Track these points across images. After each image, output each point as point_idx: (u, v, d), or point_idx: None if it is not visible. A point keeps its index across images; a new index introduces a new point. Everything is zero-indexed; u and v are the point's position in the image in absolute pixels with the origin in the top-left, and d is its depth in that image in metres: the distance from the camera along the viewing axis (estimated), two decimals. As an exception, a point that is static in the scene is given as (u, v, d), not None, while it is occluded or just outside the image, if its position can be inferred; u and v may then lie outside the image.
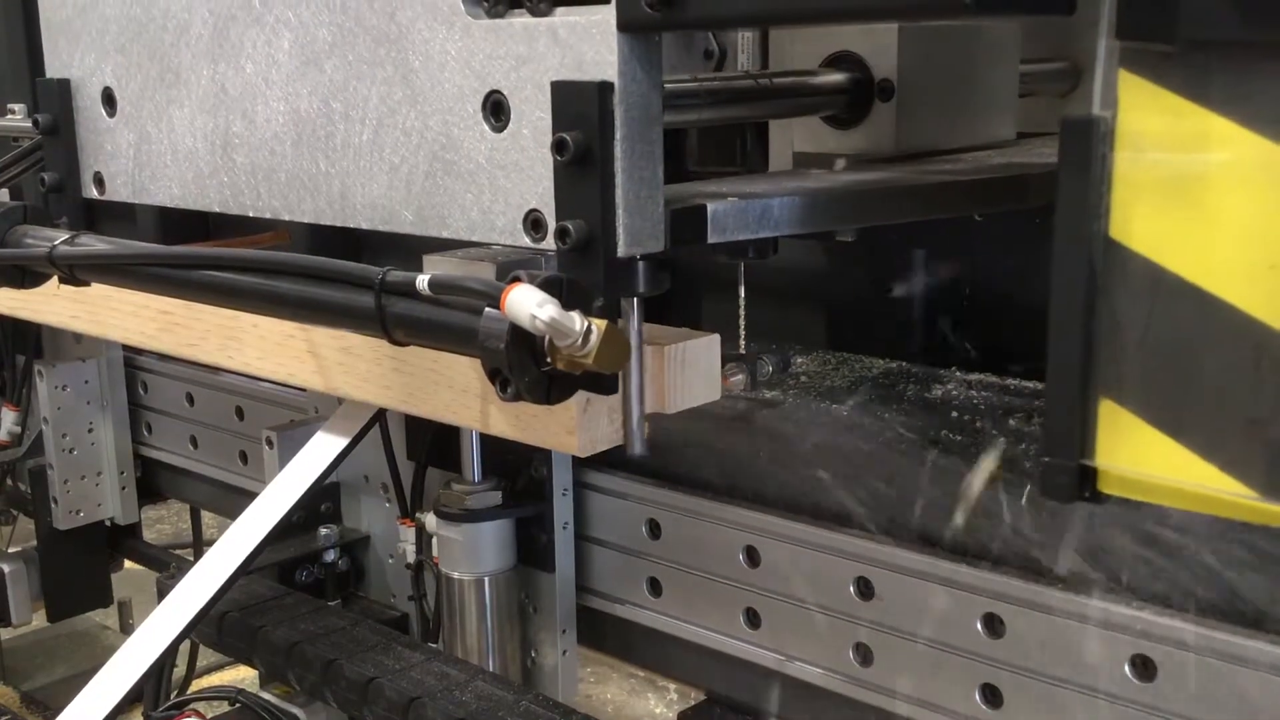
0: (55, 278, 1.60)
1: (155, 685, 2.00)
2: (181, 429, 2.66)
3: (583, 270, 1.16)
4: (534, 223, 1.22)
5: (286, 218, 1.47)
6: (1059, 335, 1.01)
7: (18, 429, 2.88)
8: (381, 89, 1.33)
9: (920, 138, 1.66)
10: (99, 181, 1.74)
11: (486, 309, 1.13)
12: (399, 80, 1.31)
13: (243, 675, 3.81)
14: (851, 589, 1.58)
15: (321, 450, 1.83)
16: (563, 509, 1.86)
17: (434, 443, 1.96)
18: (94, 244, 1.56)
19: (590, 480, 1.87)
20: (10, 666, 4.18)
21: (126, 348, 2.69)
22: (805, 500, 1.64)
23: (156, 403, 2.72)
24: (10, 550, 3.00)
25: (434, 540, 1.93)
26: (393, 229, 1.37)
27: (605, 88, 1.13)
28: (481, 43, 1.23)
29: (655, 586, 1.81)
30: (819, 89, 1.65)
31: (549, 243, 1.20)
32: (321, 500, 2.19)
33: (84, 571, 2.93)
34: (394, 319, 1.22)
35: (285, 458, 1.96)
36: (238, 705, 1.94)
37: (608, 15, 1.12)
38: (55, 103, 1.73)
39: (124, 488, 2.79)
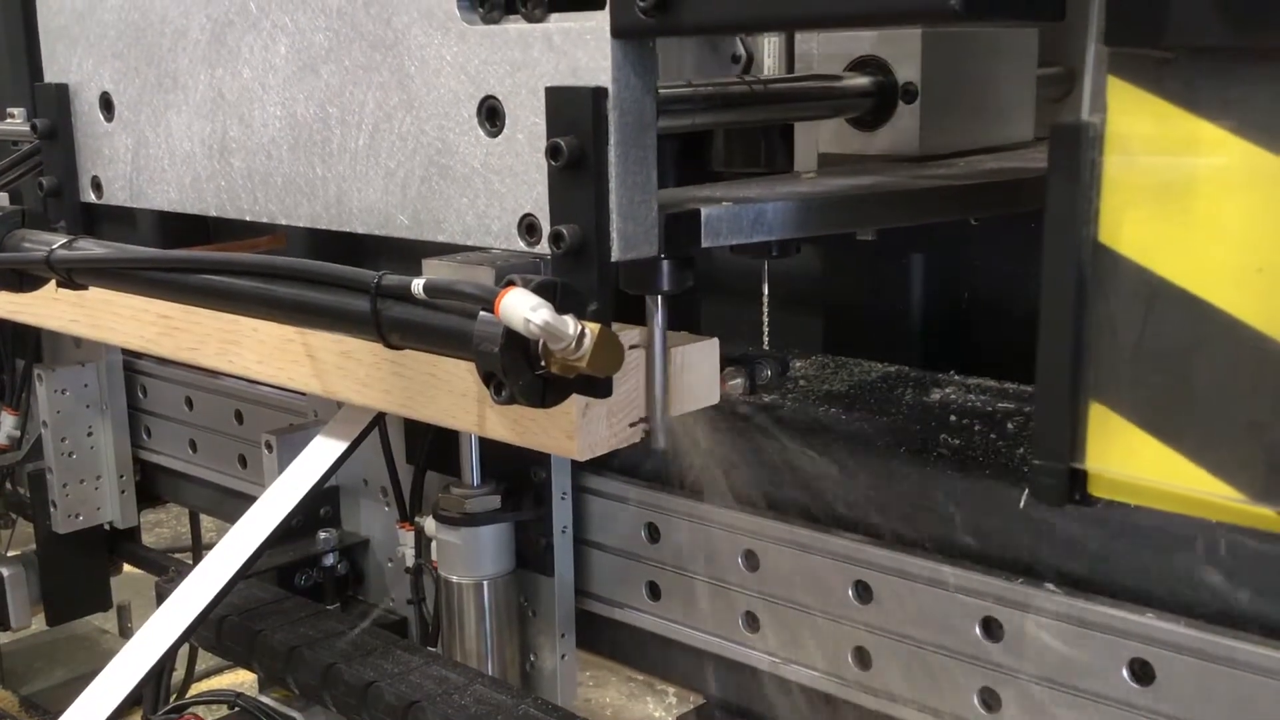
0: (53, 282, 1.60)
1: (154, 689, 2.00)
2: (181, 433, 2.66)
3: (577, 275, 1.17)
4: (529, 227, 1.22)
5: (283, 222, 1.48)
6: (1049, 339, 1.02)
7: (17, 433, 2.88)
8: (377, 94, 1.34)
9: (943, 139, 1.68)
10: (97, 186, 1.74)
11: (481, 313, 1.13)
12: (395, 85, 1.32)
13: (242, 679, 3.81)
14: (850, 592, 1.58)
15: (320, 454, 1.83)
16: (562, 513, 1.87)
17: (433, 447, 1.96)
18: (92, 248, 1.56)
19: (589, 484, 1.87)
20: (9, 670, 4.18)
21: (126, 352, 2.69)
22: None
23: (156, 407, 2.72)
24: (9, 554, 3.00)
25: (433, 544, 1.93)
26: (388, 233, 1.37)
27: (599, 93, 1.14)
28: (477, 48, 1.24)
29: (654, 590, 1.81)
30: (842, 92, 1.67)
31: (543, 247, 1.21)
32: (320, 504, 2.19)
33: (83, 575, 2.94)
34: (389, 323, 1.22)
35: (284, 462, 1.96)
36: (237, 709, 1.94)
37: (602, 22, 1.13)
38: (53, 107, 1.74)
39: (123, 491, 2.79)
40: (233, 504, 2.56)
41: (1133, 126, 0.96)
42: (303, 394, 2.16)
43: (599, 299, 1.16)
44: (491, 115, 1.24)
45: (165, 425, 2.71)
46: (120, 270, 1.51)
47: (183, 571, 1.89)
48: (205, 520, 3.54)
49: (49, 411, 2.66)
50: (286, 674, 1.86)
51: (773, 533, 1.65)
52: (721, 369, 1.49)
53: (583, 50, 1.15)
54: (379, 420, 1.88)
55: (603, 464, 1.79)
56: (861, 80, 1.68)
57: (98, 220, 3.48)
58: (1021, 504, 1.43)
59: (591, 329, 1.11)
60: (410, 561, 2.03)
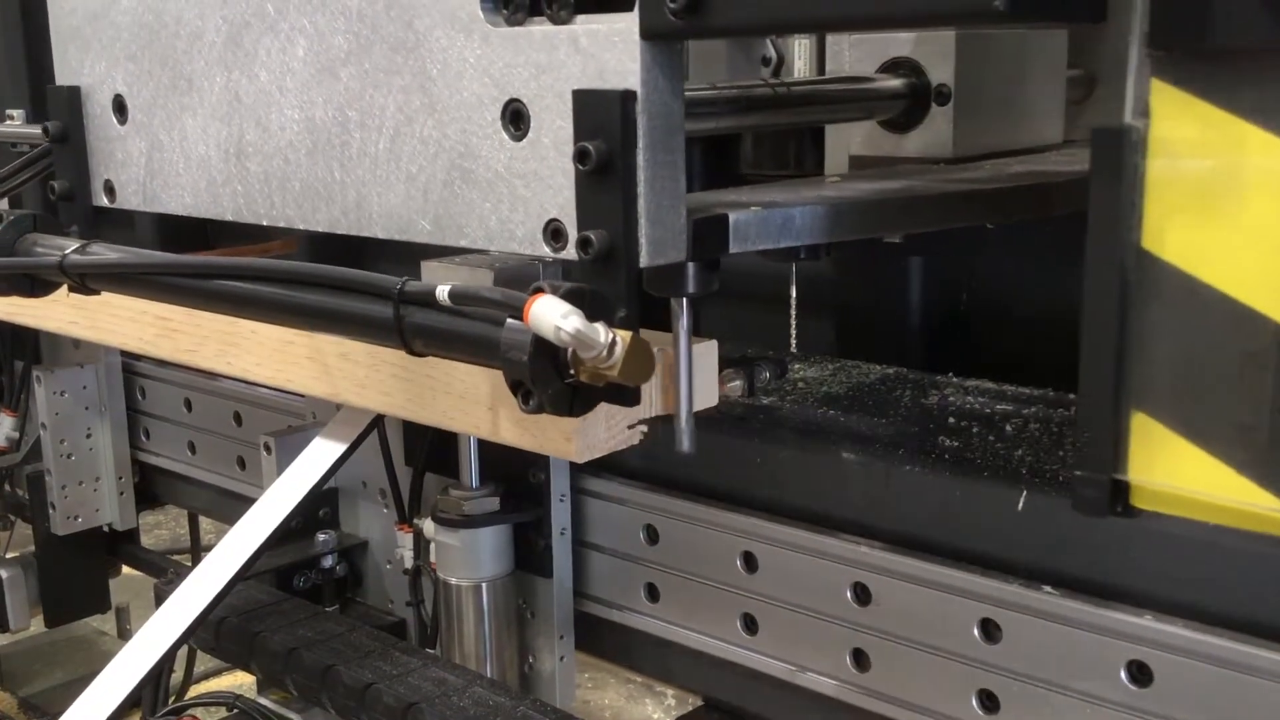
0: (64, 286, 1.59)
1: (153, 691, 2.00)
2: (180, 434, 2.66)
3: (604, 281, 1.15)
4: (554, 232, 1.21)
5: (300, 227, 1.47)
6: (1091, 347, 1.00)
7: (16, 434, 2.88)
8: (399, 97, 1.33)
9: (975, 141, 1.68)
10: (109, 190, 1.73)
11: (509, 320, 1.11)
12: (416, 89, 1.31)
13: (240, 681, 3.81)
14: (849, 594, 1.58)
15: (319, 456, 1.83)
16: (560, 515, 1.87)
17: (432, 448, 1.96)
18: (105, 253, 1.54)
19: (588, 486, 1.87)
20: (8, 672, 4.18)
21: (125, 353, 2.69)
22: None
23: (155, 408, 2.72)
24: (8, 556, 3.00)
25: (432, 546, 1.93)
26: (409, 238, 1.36)
27: (628, 96, 1.12)
28: (501, 51, 1.23)
29: (653, 592, 1.81)
30: (875, 94, 1.67)
31: (569, 252, 1.19)
32: (319, 506, 2.19)
33: (82, 577, 2.94)
34: (413, 329, 1.21)
35: (283, 463, 1.96)
36: (235, 711, 1.94)
37: (630, 23, 1.12)
38: (65, 110, 1.73)
39: (122, 493, 2.79)
40: (231, 506, 2.56)
41: (1176, 130, 0.94)
42: (301, 396, 2.16)
43: (627, 306, 1.15)
44: (516, 119, 1.22)
45: (164, 427, 2.70)
46: (135, 275, 1.49)
47: (181, 573, 1.89)
48: (204, 522, 3.54)
49: (48, 413, 2.66)
50: (285, 676, 1.86)
51: (771, 535, 1.65)
52: (720, 371, 1.49)
53: (610, 52, 1.14)
54: (378, 422, 1.88)
55: (601, 466, 1.79)
56: (894, 82, 1.67)
57: (96, 221, 3.48)
58: (1019, 506, 1.43)
59: (623, 337, 1.09)
60: (409, 563, 2.03)
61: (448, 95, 1.28)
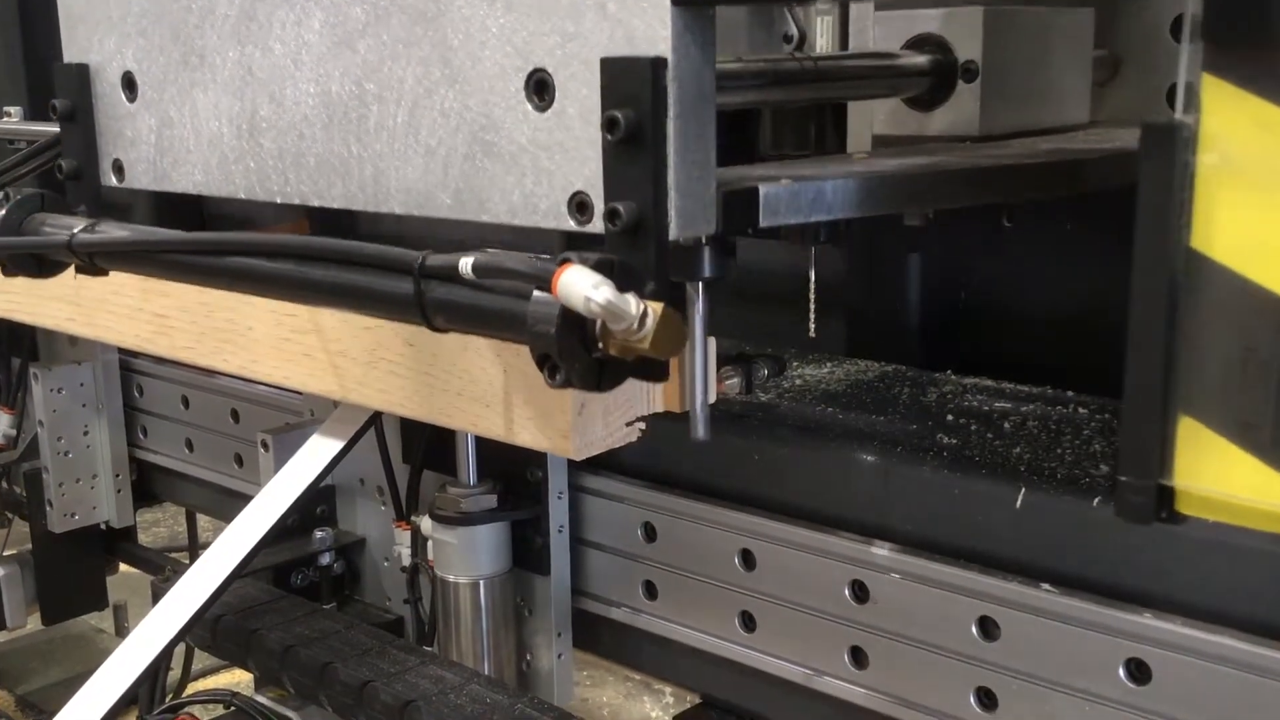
0: (72, 268, 1.57)
1: (150, 689, 1.99)
2: (177, 432, 2.65)
3: (633, 253, 1.11)
4: (579, 205, 1.18)
5: (315, 203, 1.43)
6: (1138, 349, 0.98)
7: (13, 432, 2.88)
8: (418, 69, 1.29)
9: (1002, 120, 1.66)
10: (118, 169, 1.70)
11: (535, 292, 1.08)
12: (436, 60, 1.27)
13: (238, 679, 3.81)
14: (847, 592, 1.58)
15: (317, 453, 1.82)
16: (558, 512, 1.86)
17: (429, 446, 1.96)
18: (115, 231, 1.52)
19: (586, 483, 1.87)
20: (5, 670, 4.17)
21: (122, 351, 2.69)
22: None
23: (152, 406, 2.72)
24: (5, 553, 3.00)
25: (429, 543, 1.93)
26: (428, 214, 1.32)
27: (659, 64, 1.09)
28: (524, 19, 1.20)
29: (651, 590, 1.81)
30: (900, 70, 1.64)
31: (596, 225, 1.16)
32: (317, 503, 2.19)
33: (79, 575, 2.93)
34: (434, 304, 1.17)
35: (281, 461, 1.96)
36: (232, 709, 1.93)
37: None
38: (73, 88, 1.70)
39: (119, 491, 2.79)
40: (229, 503, 2.55)
41: (1228, 126, 0.92)
42: (299, 393, 2.16)
43: (656, 279, 1.11)
44: (540, 89, 1.19)
45: (161, 424, 2.70)
46: (145, 253, 1.46)
47: (179, 571, 1.88)
48: (201, 519, 3.53)
49: (45, 410, 2.66)
50: (282, 673, 1.86)
51: (770, 532, 1.65)
52: (718, 368, 1.49)
53: (640, 18, 1.10)
54: (375, 419, 1.88)
55: (600, 463, 1.78)
56: (920, 59, 1.65)
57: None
58: (1018, 504, 1.43)
59: (654, 309, 1.06)
60: (406, 561, 2.03)
61: (469, 66, 1.25)
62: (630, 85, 1.10)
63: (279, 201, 1.48)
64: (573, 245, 1.13)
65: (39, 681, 4.13)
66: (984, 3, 1.65)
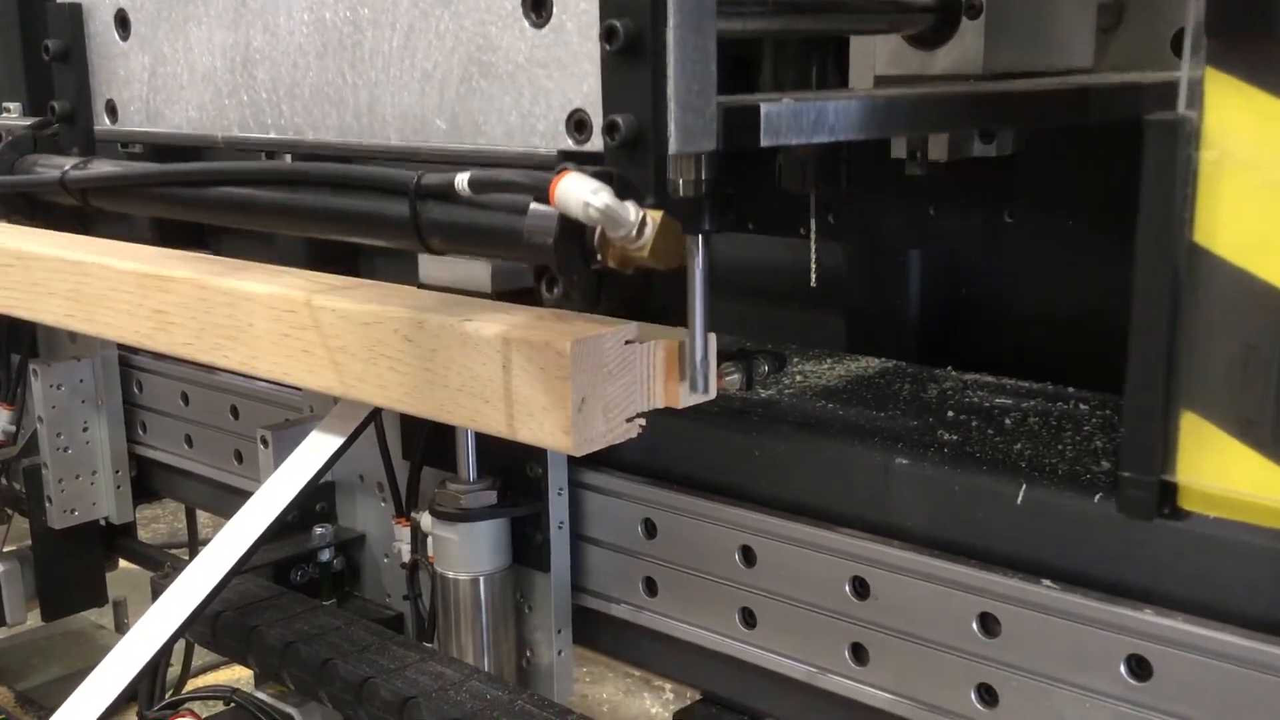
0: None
1: (150, 685, 1.99)
2: (176, 428, 2.65)
3: (632, 168, 1.10)
4: (578, 123, 1.17)
5: (310, 136, 1.42)
6: (1140, 345, 0.97)
7: (12, 428, 2.87)
8: None
9: (1006, 59, 1.63)
10: (111, 110, 1.68)
11: (532, 205, 1.07)
12: None
13: (238, 675, 3.81)
14: (847, 588, 1.57)
15: (316, 449, 1.82)
16: (558, 508, 1.86)
17: (429, 442, 1.95)
18: (107, 166, 1.50)
19: (586, 479, 1.87)
20: (5, 666, 4.17)
21: (121, 347, 2.69)
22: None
23: (151, 402, 2.71)
24: (5, 550, 3.00)
25: (429, 539, 1.93)
26: (424, 140, 1.31)
27: None
28: None
29: (651, 586, 1.81)
30: (904, 5, 1.62)
31: (595, 143, 1.15)
32: (316, 500, 2.19)
33: (79, 571, 2.93)
34: (429, 226, 1.16)
35: (280, 457, 1.95)
36: (232, 705, 1.93)
37: None
38: (66, 28, 1.69)
39: (119, 487, 2.78)
40: (229, 499, 2.55)
41: (1232, 122, 0.91)
42: (299, 389, 2.16)
43: (656, 194, 1.10)
44: (537, 5, 1.18)
45: (161, 420, 2.70)
46: (138, 186, 1.44)
47: (178, 567, 1.88)
48: (201, 515, 3.53)
49: (44, 407, 2.65)
50: (282, 670, 1.86)
51: (770, 528, 1.64)
52: (719, 364, 1.48)
53: None
54: (375, 416, 1.88)
55: (600, 459, 1.78)
56: None
57: (92, 219, 3.48)
58: (1018, 500, 1.43)
59: (653, 216, 1.05)
60: (406, 557, 2.03)
61: None
62: None
63: (273, 136, 1.46)
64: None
65: (39, 678, 4.13)
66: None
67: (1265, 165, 0.90)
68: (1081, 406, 1.67)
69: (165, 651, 1.74)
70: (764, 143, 1.19)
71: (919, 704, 1.53)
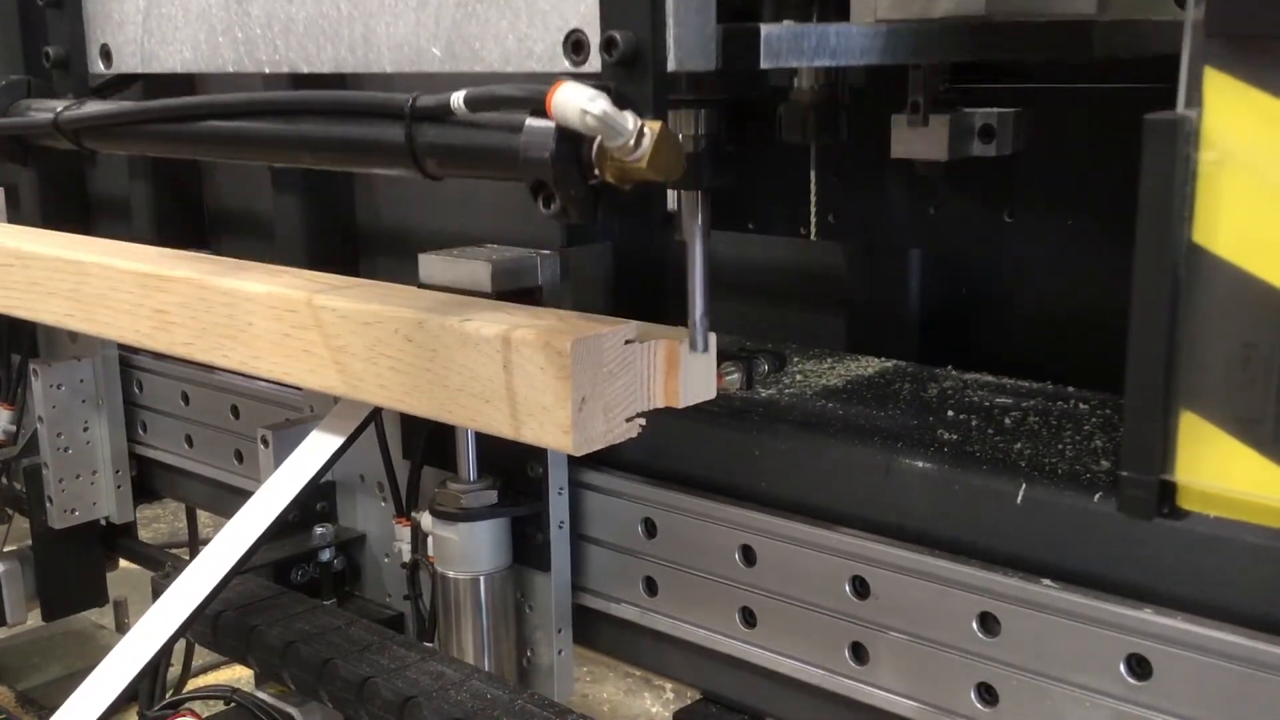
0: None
1: (150, 684, 1.99)
2: (177, 428, 2.65)
3: (630, 85, 1.09)
4: (575, 44, 1.16)
5: (304, 69, 1.41)
6: (1139, 344, 0.97)
7: (13, 428, 2.88)
8: None
9: (1009, 3, 1.63)
10: (105, 54, 1.66)
11: (528, 120, 1.06)
12: None
13: (238, 675, 3.81)
14: (847, 588, 1.58)
15: (317, 449, 1.82)
16: (558, 508, 1.86)
17: (429, 442, 1.95)
18: (101, 106, 1.48)
19: (586, 479, 1.87)
20: (6, 666, 4.18)
21: (122, 346, 2.69)
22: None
23: (152, 402, 2.71)
24: (5, 550, 3.00)
25: (429, 539, 1.93)
26: (420, 68, 1.30)
27: None
28: None
29: (651, 585, 1.81)
30: None
31: (592, 64, 1.14)
32: (317, 499, 2.19)
33: (79, 571, 2.93)
34: (425, 149, 1.15)
35: (280, 457, 1.95)
36: (233, 705, 1.93)
37: None
38: None
39: (119, 487, 2.78)
40: (229, 499, 2.55)
41: (1231, 121, 0.91)
42: (299, 389, 2.16)
43: (655, 112, 1.09)
44: None
45: (161, 420, 2.70)
46: (131, 124, 1.42)
47: (179, 567, 1.88)
48: (201, 515, 3.54)
49: (45, 406, 2.65)
50: (283, 669, 1.86)
51: (770, 528, 1.64)
52: (719, 364, 1.48)
53: None
54: (375, 415, 1.88)
55: (600, 459, 1.78)
56: None
57: (93, 215, 3.48)
58: (1018, 499, 1.43)
59: (651, 126, 1.04)
60: (407, 557, 2.03)
61: None
62: None
63: (267, 72, 1.45)
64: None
65: (39, 678, 4.13)
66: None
67: (1265, 165, 0.90)
68: (1081, 406, 1.68)
69: (166, 651, 1.74)
70: (764, 64, 1.18)
71: (919, 703, 1.53)
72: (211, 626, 1.94)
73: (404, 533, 2.03)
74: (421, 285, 1.82)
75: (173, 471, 2.75)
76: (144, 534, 3.48)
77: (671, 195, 1.77)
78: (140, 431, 2.76)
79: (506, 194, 2.64)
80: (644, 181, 1.07)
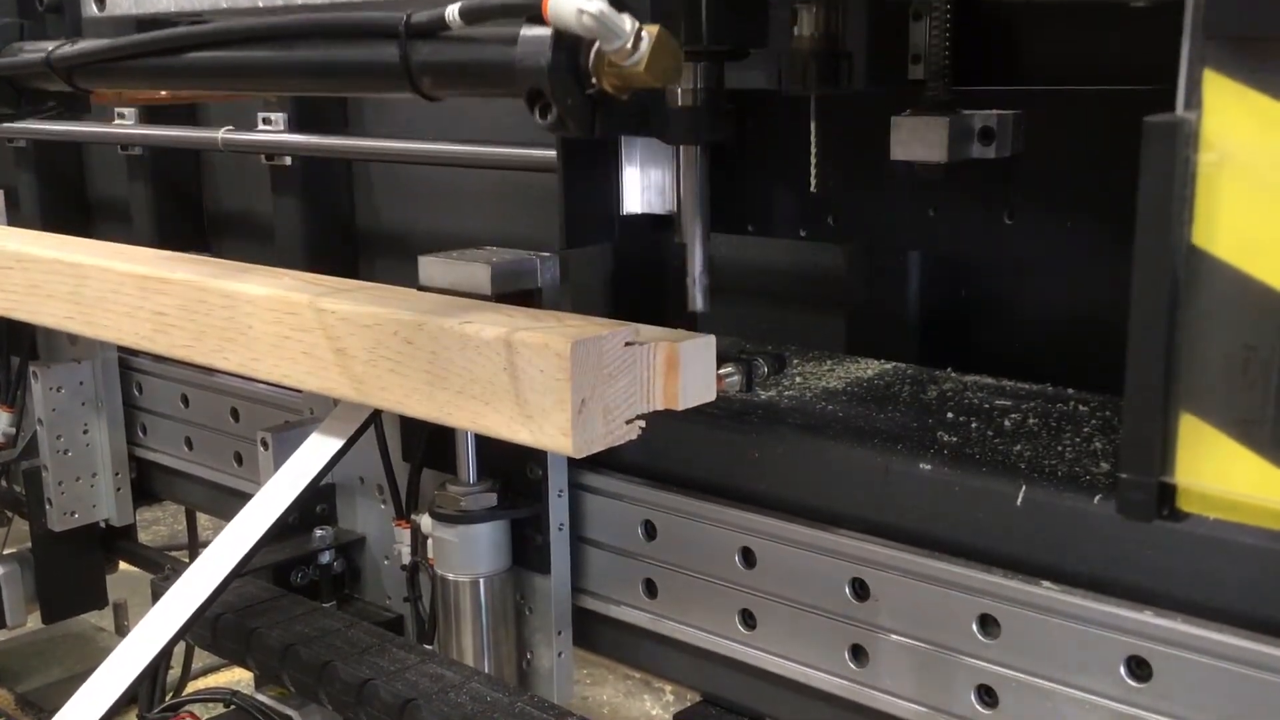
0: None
1: (150, 687, 1.99)
2: (176, 430, 2.65)
3: None
4: None
5: None
6: (1139, 346, 0.97)
7: (12, 430, 2.88)
8: None
9: None
10: None
11: (524, 30, 1.05)
12: None
13: (238, 677, 3.81)
14: (847, 590, 1.58)
15: (317, 452, 1.82)
16: (558, 510, 1.86)
17: (429, 444, 1.95)
18: (93, 43, 1.45)
19: (586, 481, 1.87)
20: (6, 668, 4.17)
21: (121, 349, 2.69)
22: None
23: (151, 404, 2.71)
24: (5, 552, 3.00)
25: (429, 541, 1.93)
26: None
27: None
28: None
29: (651, 588, 1.81)
30: None
31: None
32: (317, 502, 2.19)
33: (79, 573, 2.93)
34: (420, 67, 1.14)
35: (280, 459, 1.95)
36: (232, 707, 1.93)
37: None
38: None
39: (119, 489, 2.78)
40: (229, 501, 2.55)
41: (1230, 123, 0.91)
42: (299, 391, 2.16)
43: (652, 15, 1.08)
44: None
45: (161, 422, 2.70)
46: (125, 59, 1.38)
47: (178, 569, 1.88)
48: (201, 518, 3.53)
49: (44, 409, 2.65)
50: (282, 672, 1.86)
51: (770, 530, 1.64)
52: (718, 366, 1.48)
53: None
54: (375, 418, 1.88)
55: (599, 461, 1.78)
56: None
57: (92, 217, 3.48)
58: (1018, 501, 1.43)
59: (649, 30, 1.03)
60: (406, 559, 2.03)
61: None
62: None
63: (261, 4, 1.42)
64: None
65: (39, 680, 4.13)
66: None
67: (1264, 167, 0.90)
68: (1081, 408, 1.68)
69: (166, 654, 1.74)
70: None
71: (919, 705, 1.53)
72: (211, 629, 1.94)
73: (404, 535, 2.03)
74: (421, 287, 1.82)
75: (172, 474, 2.75)
76: (144, 536, 3.48)
77: (671, 196, 1.77)
78: (140, 434, 2.76)
79: (506, 196, 2.65)
80: (642, 87, 1.05)
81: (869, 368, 1.91)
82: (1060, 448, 1.53)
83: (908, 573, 1.51)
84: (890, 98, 1.73)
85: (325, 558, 2.16)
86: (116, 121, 3.07)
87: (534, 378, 1.36)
